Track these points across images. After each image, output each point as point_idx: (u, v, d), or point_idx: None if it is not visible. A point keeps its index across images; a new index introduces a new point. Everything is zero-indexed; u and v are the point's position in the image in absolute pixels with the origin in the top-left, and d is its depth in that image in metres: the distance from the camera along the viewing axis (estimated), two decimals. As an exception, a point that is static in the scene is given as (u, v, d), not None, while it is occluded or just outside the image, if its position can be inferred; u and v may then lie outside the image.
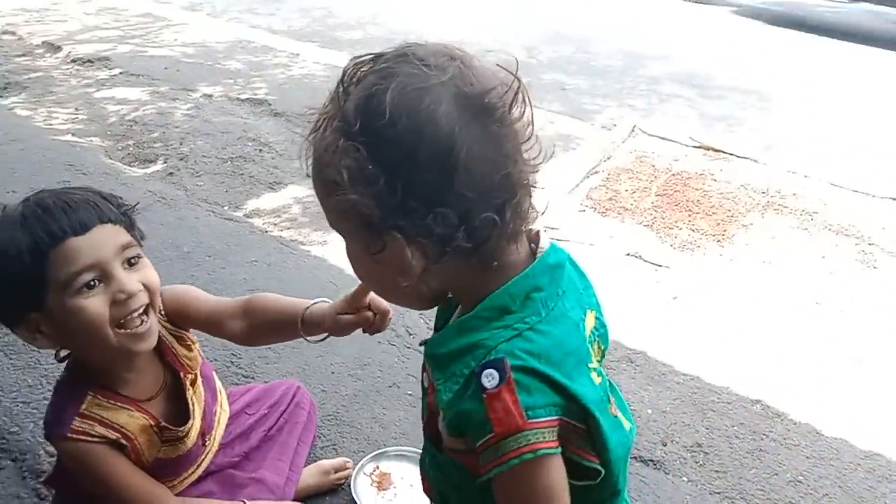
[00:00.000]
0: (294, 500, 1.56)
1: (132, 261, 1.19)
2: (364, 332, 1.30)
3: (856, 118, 4.56)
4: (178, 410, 1.36)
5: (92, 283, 1.13)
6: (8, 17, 5.31)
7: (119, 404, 1.25)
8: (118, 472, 1.26)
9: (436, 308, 0.98)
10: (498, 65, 0.81)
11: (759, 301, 2.60)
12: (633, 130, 3.88)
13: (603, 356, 0.96)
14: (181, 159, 3.33)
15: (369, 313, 1.28)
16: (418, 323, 2.35)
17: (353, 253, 0.88)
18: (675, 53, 5.48)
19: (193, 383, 1.40)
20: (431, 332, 2.30)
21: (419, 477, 1.70)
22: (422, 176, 0.76)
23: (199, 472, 1.44)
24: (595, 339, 0.92)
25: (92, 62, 4.54)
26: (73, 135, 3.58)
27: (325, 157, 0.80)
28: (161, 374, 1.35)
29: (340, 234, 0.87)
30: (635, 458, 1.89)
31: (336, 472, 1.72)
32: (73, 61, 4.57)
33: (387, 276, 0.85)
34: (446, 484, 0.96)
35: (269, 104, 4.01)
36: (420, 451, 1.73)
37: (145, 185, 3.07)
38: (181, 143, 3.50)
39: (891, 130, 4.39)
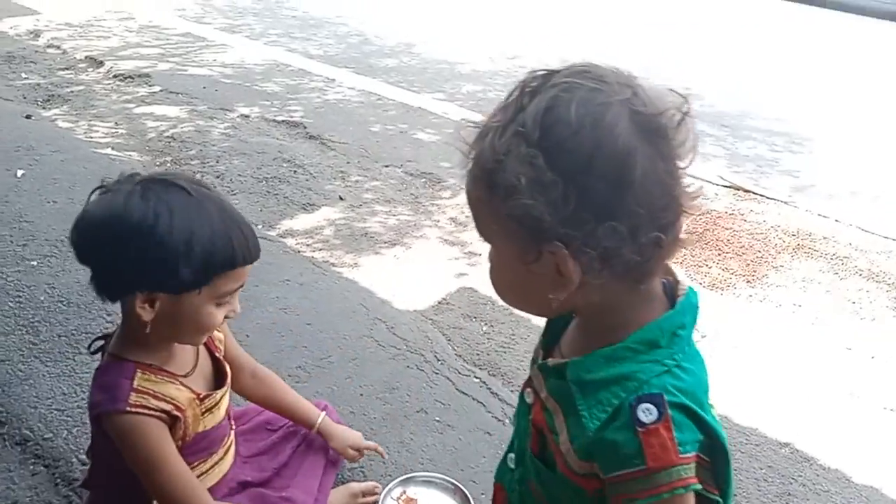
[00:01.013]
0: (321, 520, 1.58)
1: None
2: None
3: (888, 163, 4.55)
4: (210, 385, 1.43)
5: (228, 298, 1.28)
6: (53, 31, 5.45)
7: (166, 378, 1.30)
8: (168, 452, 1.29)
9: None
10: (670, 89, 0.82)
11: (788, 343, 2.58)
12: (663, 167, 3.88)
13: None
14: (217, 177, 3.39)
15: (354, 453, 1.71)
16: (446, 349, 2.36)
17: (503, 260, 0.89)
18: (704, 91, 5.50)
19: (223, 359, 1.49)
20: (458, 359, 2.31)
21: (445, 503, 1.72)
22: (597, 188, 0.77)
23: (228, 460, 1.48)
24: None
25: (132, 78, 4.64)
26: (112, 148, 3.65)
27: (501, 162, 0.80)
28: (195, 351, 1.41)
29: (491, 240, 0.89)
30: (662, 496, 1.88)
31: (364, 496, 1.73)
32: (115, 77, 4.67)
33: (532, 286, 0.85)
34: (554, 501, 0.96)
35: (305, 127, 4.07)
36: (446, 478, 1.75)
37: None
38: (217, 162, 3.56)
39: (923, 178, 4.37)
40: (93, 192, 1.26)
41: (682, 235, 0.85)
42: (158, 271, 1.19)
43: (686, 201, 0.83)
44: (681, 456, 0.81)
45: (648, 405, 0.81)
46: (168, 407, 1.28)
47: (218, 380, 1.45)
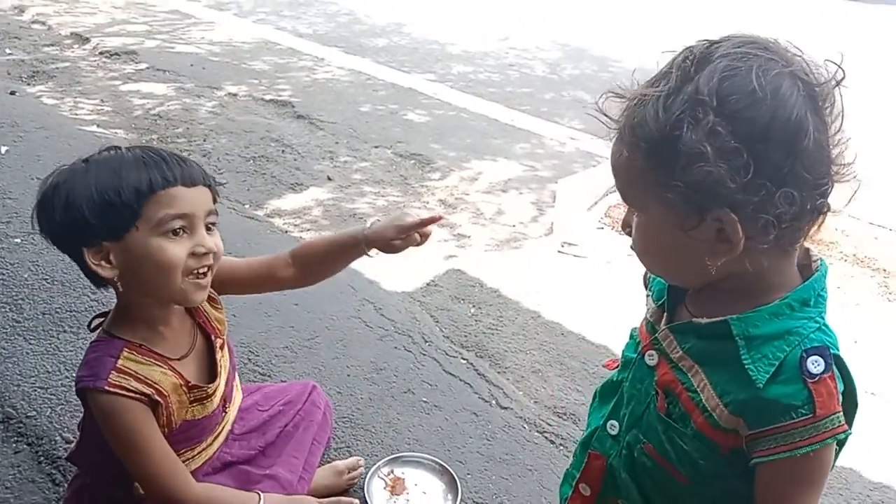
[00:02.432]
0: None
1: (210, 225, 1.27)
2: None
3: (875, 150, 4.56)
4: (205, 373, 1.39)
5: (179, 230, 1.22)
6: (38, 6, 5.37)
7: (153, 361, 1.28)
8: (148, 433, 1.27)
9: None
10: (826, 59, 0.85)
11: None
12: (653, 151, 3.89)
13: None
14: (204, 156, 3.36)
15: (416, 237, 1.46)
16: (434, 331, 2.36)
17: (656, 226, 0.90)
18: (696, 77, 5.50)
19: (222, 348, 1.43)
20: (445, 340, 2.30)
21: (432, 483, 1.72)
22: (773, 156, 0.80)
23: (216, 445, 1.45)
24: None
25: (119, 55, 4.59)
26: (98, 126, 3.62)
27: (675, 130, 0.81)
28: (192, 335, 1.38)
29: (645, 205, 0.90)
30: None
31: (349, 471, 1.73)
32: (101, 53, 4.62)
33: (690, 252, 0.88)
34: (680, 457, 0.97)
35: (293, 106, 4.04)
36: (433, 459, 1.75)
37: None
38: (205, 140, 3.53)
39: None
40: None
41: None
42: (81, 217, 1.18)
43: (838, 168, 0.87)
44: (838, 404, 0.86)
45: (817, 357, 0.86)
46: (149, 391, 1.25)
47: (214, 369, 1.41)
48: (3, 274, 2.38)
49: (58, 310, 2.24)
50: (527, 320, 2.49)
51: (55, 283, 2.36)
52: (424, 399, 2.06)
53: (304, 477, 1.57)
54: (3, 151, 3.18)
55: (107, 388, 1.22)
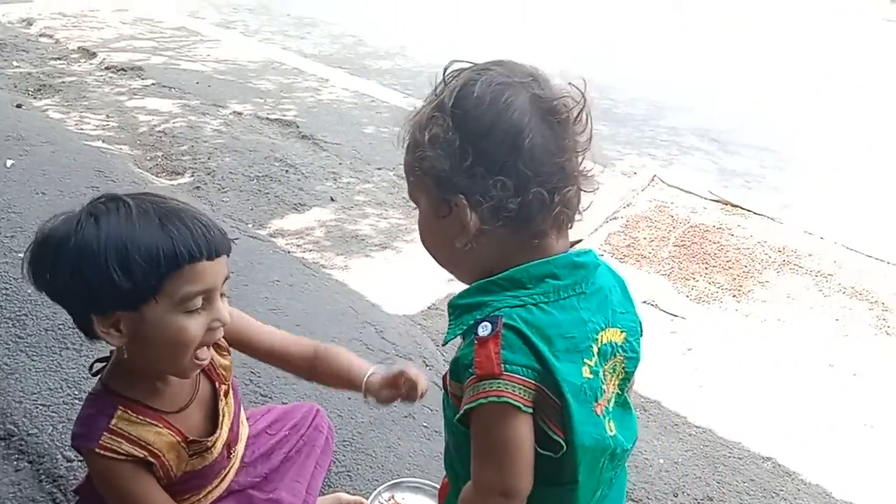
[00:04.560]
0: (307, 525, 1.57)
1: (223, 293, 1.22)
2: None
3: (872, 181, 4.61)
4: (207, 420, 1.36)
5: (197, 304, 1.15)
6: (47, 20, 5.42)
7: (148, 419, 1.24)
8: (141, 492, 1.25)
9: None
10: (570, 83, 0.99)
11: (773, 358, 2.61)
12: (652, 179, 3.92)
13: (625, 378, 1.06)
14: (208, 174, 3.38)
15: (402, 391, 1.45)
16: (435, 354, 2.37)
17: (423, 216, 1.04)
18: (695, 105, 5.55)
19: (226, 395, 1.40)
20: (446, 364, 2.32)
21: (433, 509, 1.72)
22: (491, 148, 0.93)
23: (224, 485, 1.44)
24: (616, 354, 1.03)
25: (125, 71, 4.63)
26: (103, 141, 3.64)
27: (419, 125, 0.98)
28: (194, 384, 1.34)
29: (417, 200, 1.03)
30: (646, 507, 1.90)
31: (353, 507, 1.72)
32: (107, 68, 4.65)
33: (445, 237, 0.99)
34: (447, 424, 1.08)
35: (298, 126, 4.07)
36: (434, 485, 1.75)
37: (172, 197, 3.11)
38: (209, 158, 3.55)
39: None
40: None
41: (577, 206, 0.99)
42: (97, 286, 1.09)
43: (580, 178, 0.98)
44: (504, 372, 0.91)
45: (486, 323, 0.94)
46: (141, 453, 1.22)
47: (216, 417, 1.37)
48: (7, 289, 2.39)
49: (61, 326, 2.24)
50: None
51: (59, 299, 2.36)
52: (425, 424, 2.06)
53: (308, 501, 1.57)
54: (8, 165, 3.19)
55: (97, 450, 1.20)
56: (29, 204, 2.91)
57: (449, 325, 1.01)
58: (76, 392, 1.99)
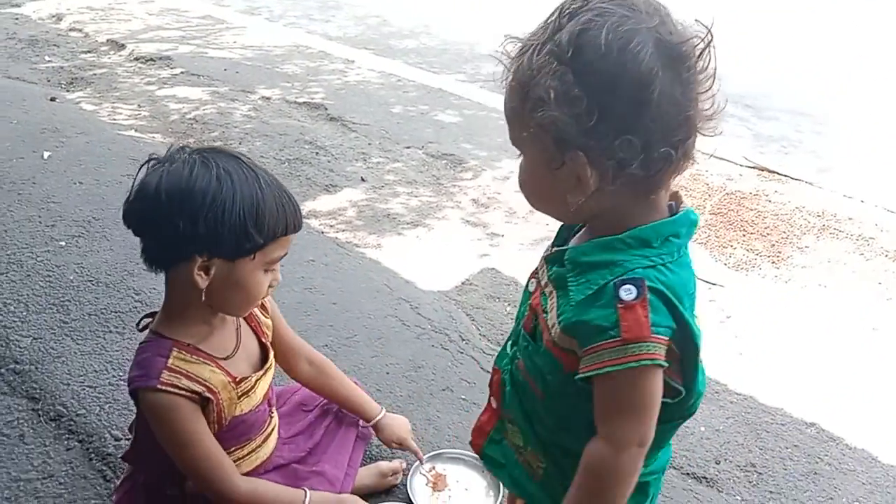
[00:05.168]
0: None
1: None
2: None
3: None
4: (251, 370, 1.43)
5: (274, 268, 1.33)
6: (75, 14, 5.48)
7: (202, 359, 1.32)
8: (196, 430, 1.31)
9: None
10: (696, 19, 0.91)
11: (814, 324, 2.57)
12: (686, 148, 3.85)
13: None
14: (240, 158, 3.41)
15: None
16: (470, 329, 2.37)
17: (530, 165, 0.99)
18: (729, 73, 5.44)
19: (269, 350, 1.50)
20: (482, 339, 2.31)
21: (474, 480, 1.74)
22: (617, 105, 0.87)
23: (268, 448, 1.49)
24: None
25: (154, 61, 4.67)
26: (136, 130, 3.68)
27: (535, 76, 0.89)
28: (238, 335, 1.42)
29: (522, 146, 0.98)
30: (688, 473, 1.89)
31: (393, 474, 1.75)
32: (137, 59, 4.70)
33: (555, 190, 0.95)
34: (535, 372, 1.06)
35: (326, 108, 4.08)
36: (474, 455, 1.76)
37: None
38: (240, 143, 3.58)
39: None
40: (143, 165, 1.28)
41: (693, 153, 0.94)
42: (228, 236, 1.22)
43: (701, 122, 0.92)
44: (653, 335, 0.91)
45: (630, 286, 0.91)
46: (199, 388, 1.29)
47: (262, 363, 1.46)
48: (50, 276, 2.44)
49: (103, 311, 2.29)
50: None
51: (100, 284, 2.41)
52: (463, 396, 2.07)
53: (350, 474, 1.59)
54: (45, 157, 3.25)
55: (159, 386, 1.26)
56: (67, 194, 2.96)
57: (569, 282, 0.97)
58: (121, 374, 2.03)
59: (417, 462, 1.74)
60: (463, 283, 2.65)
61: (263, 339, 1.48)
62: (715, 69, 0.91)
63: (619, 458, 0.96)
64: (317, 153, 3.53)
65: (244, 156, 1.33)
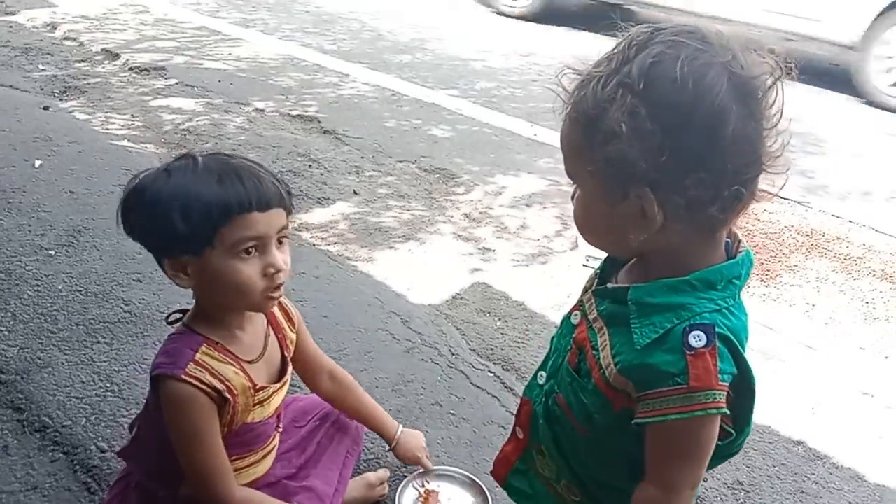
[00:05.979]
0: (339, 510, 1.59)
1: (281, 240, 1.31)
2: None
3: (902, 166, 4.53)
4: (270, 380, 1.43)
5: (250, 250, 1.26)
6: (70, 23, 5.48)
7: (228, 360, 1.33)
8: (208, 429, 1.31)
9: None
10: (770, 49, 0.88)
11: (802, 342, 2.58)
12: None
13: None
14: (233, 170, 3.41)
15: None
16: (461, 344, 2.38)
17: (589, 199, 0.96)
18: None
19: (289, 364, 1.50)
20: (472, 353, 2.30)
21: (465, 500, 1.73)
22: (691, 140, 0.84)
23: (267, 463, 1.49)
24: None
25: (148, 71, 4.67)
26: (128, 140, 3.68)
27: (603, 109, 0.86)
28: (265, 341, 1.43)
29: (579, 180, 0.96)
30: (676, 492, 1.89)
31: (381, 483, 1.75)
32: (131, 69, 4.70)
33: (615, 225, 0.93)
34: (580, 409, 1.04)
35: (319, 121, 4.09)
36: (463, 473, 1.76)
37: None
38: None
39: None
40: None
41: (758, 190, 0.91)
42: (162, 232, 1.24)
43: (768, 159, 0.89)
44: (719, 382, 0.89)
45: (700, 332, 0.90)
46: (221, 387, 1.30)
47: (280, 376, 1.46)
48: (39, 286, 2.43)
49: (91, 321, 2.28)
50: (553, 334, 2.49)
51: (89, 294, 2.40)
52: (452, 411, 2.07)
53: (339, 489, 1.59)
54: (37, 165, 3.24)
55: (183, 376, 1.27)
56: (58, 203, 2.96)
57: (632, 323, 0.94)
58: (108, 385, 2.02)
59: (408, 477, 1.74)
60: (454, 298, 2.65)
61: (286, 353, 1.48)
62: (783, 104, 0.89)
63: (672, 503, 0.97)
64: (310, 166, 3.54)
65: (225, 152, 1.35)
